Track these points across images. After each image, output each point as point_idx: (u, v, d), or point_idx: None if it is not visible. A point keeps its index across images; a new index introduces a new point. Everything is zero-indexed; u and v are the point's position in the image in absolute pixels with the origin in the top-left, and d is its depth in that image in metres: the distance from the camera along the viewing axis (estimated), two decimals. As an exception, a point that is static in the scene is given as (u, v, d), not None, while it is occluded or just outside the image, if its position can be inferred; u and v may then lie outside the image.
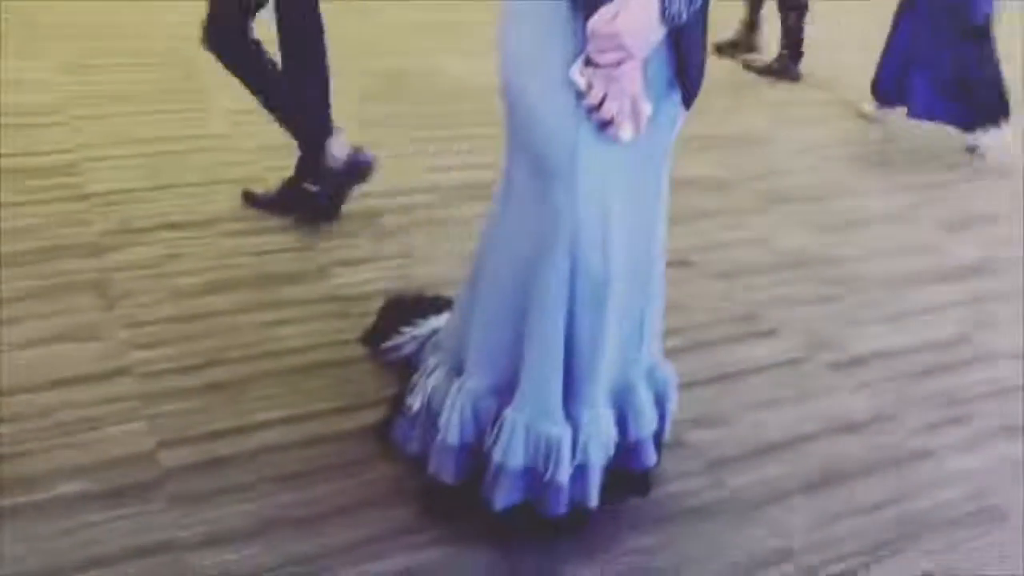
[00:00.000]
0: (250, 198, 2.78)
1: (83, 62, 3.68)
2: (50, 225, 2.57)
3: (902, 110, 3.96)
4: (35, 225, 2.55)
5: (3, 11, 4.00)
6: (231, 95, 2.90)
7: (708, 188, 3.25)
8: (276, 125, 2.65)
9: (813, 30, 4.56)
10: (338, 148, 2.67)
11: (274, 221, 2.71)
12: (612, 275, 1.52)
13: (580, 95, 1.41)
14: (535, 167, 1.50)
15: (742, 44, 4.71)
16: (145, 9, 4.38)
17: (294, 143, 2.69)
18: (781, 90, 4.38)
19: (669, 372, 1.84)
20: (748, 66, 4.56)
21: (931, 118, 3.89)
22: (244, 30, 2.48)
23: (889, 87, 4.00)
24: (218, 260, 2.51)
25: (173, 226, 2.63)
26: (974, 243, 3.09)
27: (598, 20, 1.34)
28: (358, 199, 2.84)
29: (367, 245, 2.67)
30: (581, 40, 1.39)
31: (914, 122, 4.00)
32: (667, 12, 1.34)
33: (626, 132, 1.42)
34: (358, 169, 2.72)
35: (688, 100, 1.51)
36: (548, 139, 1.46)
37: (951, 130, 3.93)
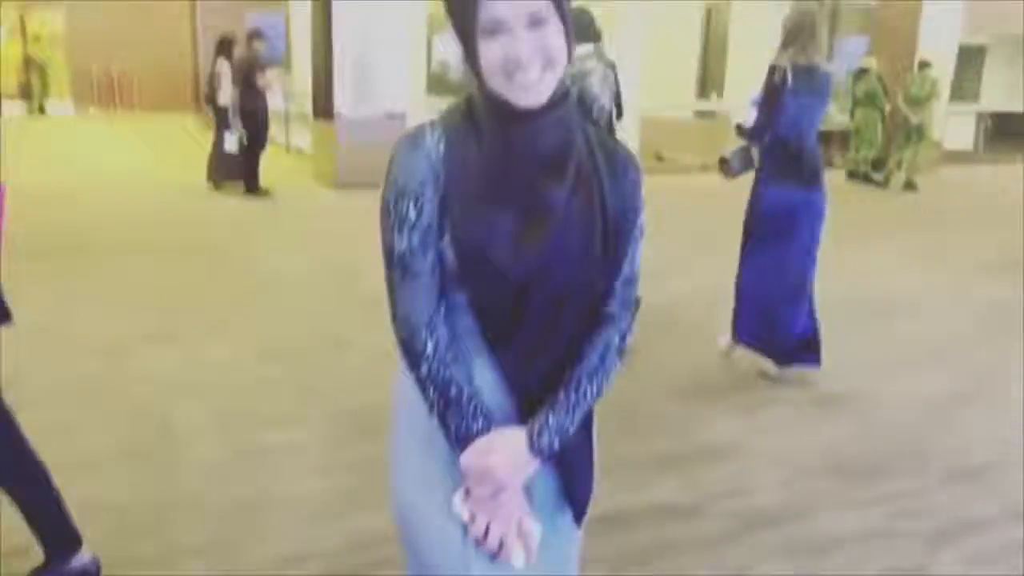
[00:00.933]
0: None
1: (57, 429, 3.74)
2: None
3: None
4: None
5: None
6: (198, 451, 2.92)
7: (675, 516, 3.19)
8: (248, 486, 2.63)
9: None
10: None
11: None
12: None
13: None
14: None
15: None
16: (112, 363, 4.56)
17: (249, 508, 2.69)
18: (751, 391, 4.44)
19: None
20: None
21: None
22: None
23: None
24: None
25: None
26: (958, 562, 2.97)
27: (469, 455, 1.39)
28: (327, 556, 2.80)
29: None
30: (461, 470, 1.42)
31: (884, 420, 4.04)
32: (536, 445, 1.39)
33: (518, 558, 1.42)
34: None
35: (579, 516, 1.52)
36: (441, 562, 1.45)
37: (921, 429, 3.97)
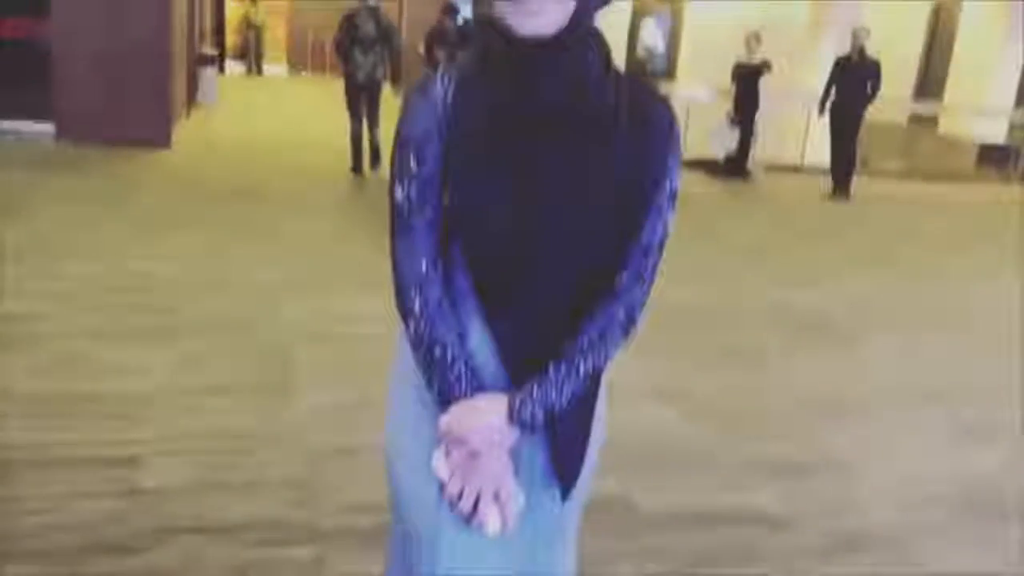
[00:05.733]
0: None
1: (188, 354, 4.01)
2: (93, 523, 2.68)
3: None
4: (76, 523, 2.67)
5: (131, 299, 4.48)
6: (315, 395, 2.99)
7: (765, 524, 3.02)
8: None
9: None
10: None
11: (299, 532, 2.73)
12: None
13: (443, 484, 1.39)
14: (407, 538, 1.46)
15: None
16: (264, 302, 4.81)
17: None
18: (889, 409, 4.11)
19: None
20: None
21: None
22: None
23: None
24: (233, 572, 2.53)
25: (201, 530, 2.70)
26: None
27: (448, 417, 1.34)
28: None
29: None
30: None
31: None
32: (517, 417, 1.32)
33: (492, 525, 1.35)
34: None
35: (564, 493, 1.43)
36: (415, 517, 1.43)
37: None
